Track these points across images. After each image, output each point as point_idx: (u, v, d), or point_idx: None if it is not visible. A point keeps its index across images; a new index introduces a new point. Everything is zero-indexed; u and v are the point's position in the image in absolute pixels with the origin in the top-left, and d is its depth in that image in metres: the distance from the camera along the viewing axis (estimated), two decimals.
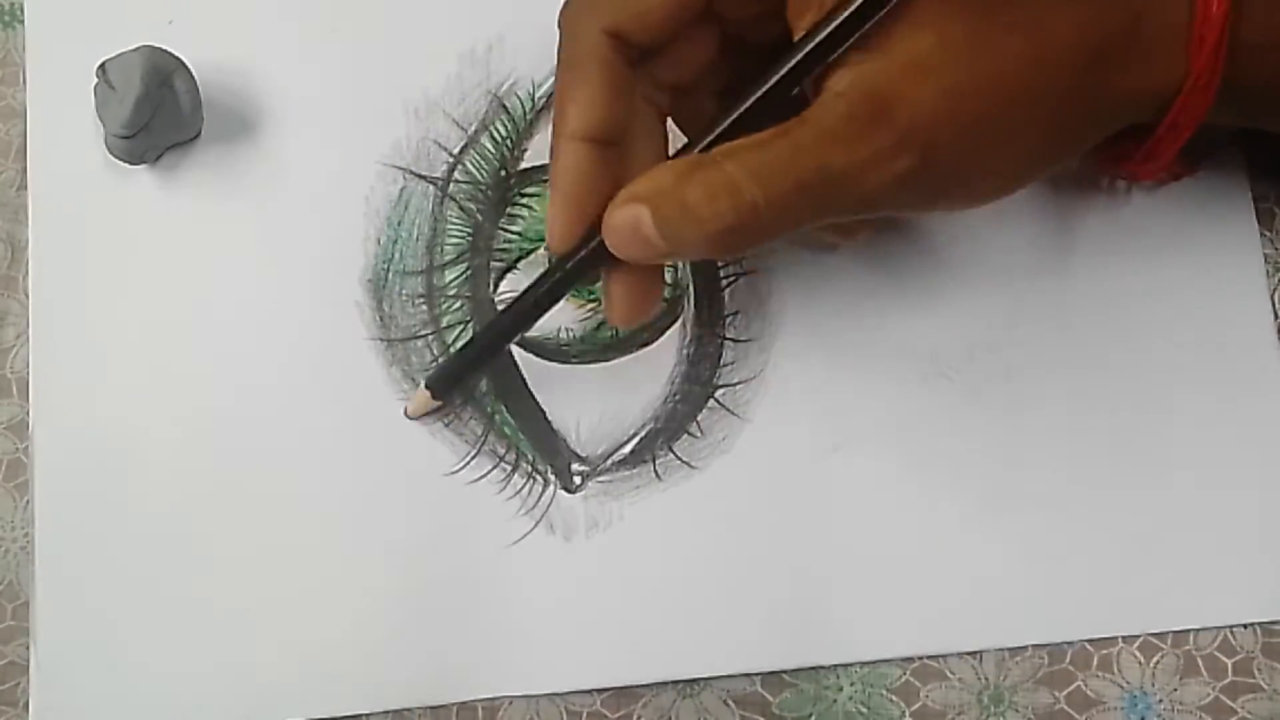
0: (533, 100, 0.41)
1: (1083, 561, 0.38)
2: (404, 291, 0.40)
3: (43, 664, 0.37)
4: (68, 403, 0.39)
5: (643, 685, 0.37)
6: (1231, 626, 0.38)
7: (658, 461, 0.39)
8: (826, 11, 0.30)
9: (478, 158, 0.40)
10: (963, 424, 0.39)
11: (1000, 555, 0.38)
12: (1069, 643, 0.38)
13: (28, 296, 0.39)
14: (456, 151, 0.40)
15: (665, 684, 0.38)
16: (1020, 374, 0.39)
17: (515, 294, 0.40)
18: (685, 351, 0.39)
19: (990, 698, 0.38)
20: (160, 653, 0.37)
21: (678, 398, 0.39)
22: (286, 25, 0.41)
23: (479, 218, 0.40)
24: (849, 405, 0.39)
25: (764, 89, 0.31)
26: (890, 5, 0.30)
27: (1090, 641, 0.38)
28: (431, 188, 0.40)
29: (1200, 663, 0.38)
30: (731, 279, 0.40)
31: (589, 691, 0.38)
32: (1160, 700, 0.38)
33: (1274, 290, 0.40)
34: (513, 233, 0.40)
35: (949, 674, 0.38)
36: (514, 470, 0.39)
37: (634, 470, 0.39)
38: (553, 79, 0.40)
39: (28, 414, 0.39)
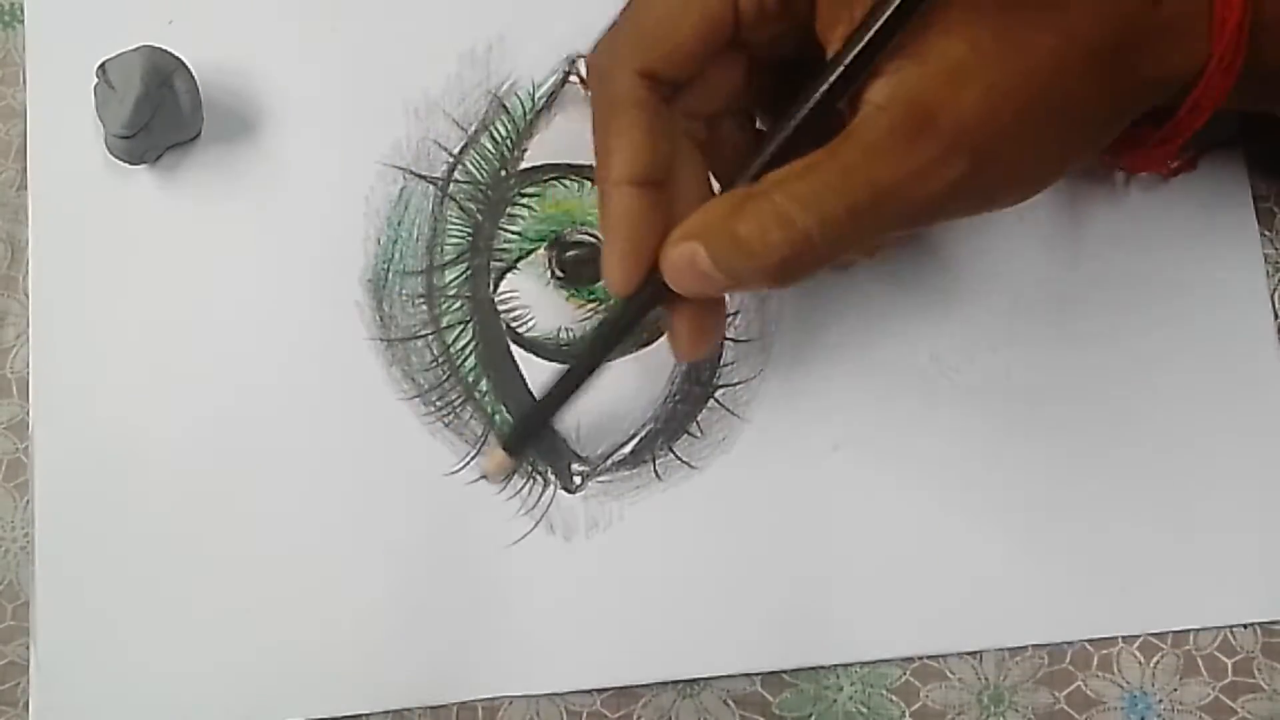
0: (533, 100, 0.41)
1: (1083, 561, 0.38)
2: (404, 291, 0.40)
3: (43, 664, 0.37)
4: (68, 403, 0.39)
5: (643, 685, 0.37)
6: (1231, 626, 0.38)
7: (658, 461, 0.39)
8: (859, 22, 0.30)
9: (478, 158, 0.40)
10: (963, 424, 0.39)
11: (1000, 555, 0.38)
12: (1069, 643, 0.38)
13: (28, 296, 0.39)
14: (456, 151, 0.40)
15: (665, 684, 0.38)
16: (1020, 374, 0.39)
17: (514, 294, 0.40)
18: None
19: (990, 698, 0.38)
20: (160, 653, 0.37)
21: (678, 398, 0.39)
22: (286, 25, 0.41)
23: (479, 218, 0.40)
24: (849, 405, 0.39)
25: (806, 108, 0.31)
26: (923, 6, 0.29)
27: (1090, 641, 0.38)
28: (431, 188, 0.40)
29: (1200, 663, 0.38)
30: None
31: (589, 691, 0.38)
32: (1160, 700, 0.38)
33: (1274, 290, 0.40)
34: (513, 233, 0.40)
35: (949, 674, 0.38)
36: (514, 470, 0.39)
37: (634, 470, 0.39)
38: (553, 79, 0.41)
39: (28, 414, 0.39)
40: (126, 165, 0.40)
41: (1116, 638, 0.38)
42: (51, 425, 0.39)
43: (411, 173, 0.40)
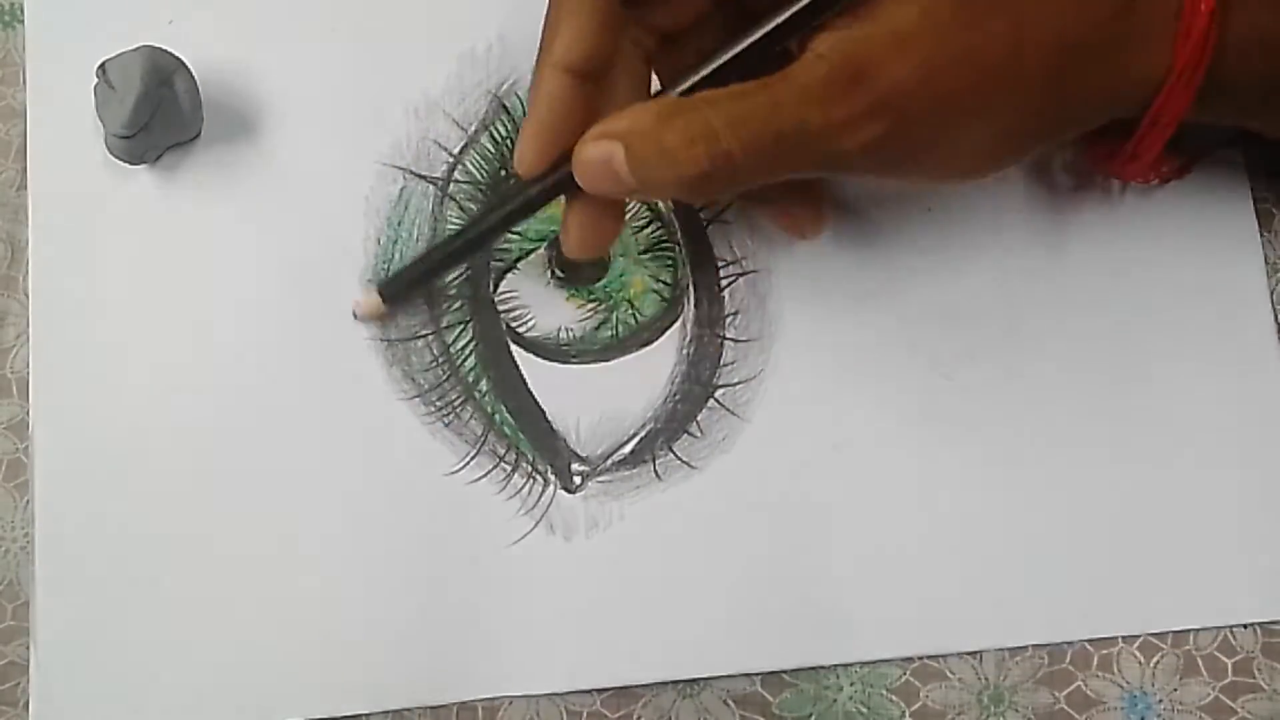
0: None
1: (1083, 561, 0.38)
2: None
3: (43, 664, 0.37)
4: (68, 403, 0.39)
5: (643, 685, 0.37)
6: (1231, 626, 0.38)
7: (658, 461, 0.39)
8: None
9: (478, 158, 0.40)
10: (963, 424, 0.39)
11: (1000, 555, 0.38)
12: (1069, 643, 0.38)
13: (28, 296, 0.39)
14: (456, 151, 0.40)
15: (665, 684, 0.38)
16: (1020, 374, 0.39)
17: (514, 294, 0.40)
18: (685, 351, 0.39)
19: (990, 698, 0.38)
20: (160, 653, 0.37)
21: (678, 398, 0.39)
22: (286, 25, 0.41)
23: None
24: (849, 405, 0.39)
25: (749, 41, 0.32)
26: None
27: (1090, 641, 0.38)
28: (431, 188, 0.40)
29: (1200, 663, 0.38)
30: (731, 279, 0.40)
31: (589, 691, 0.38)
32: (1160, 700, 0.38)
33: (1274, 290, 0.40)
34: (513, 233, 0.40)
35: (949, 674, 0.38)
36: (514, 470, 0.39)
37: (634, 470, 0.39)
38: None
39: (28, 414, 0.39)
40: (126, 165, 0.40)
41: (1116, 638, 0.38)
42: (51, 425, 0.39)
43: (411, 173, 0.40)
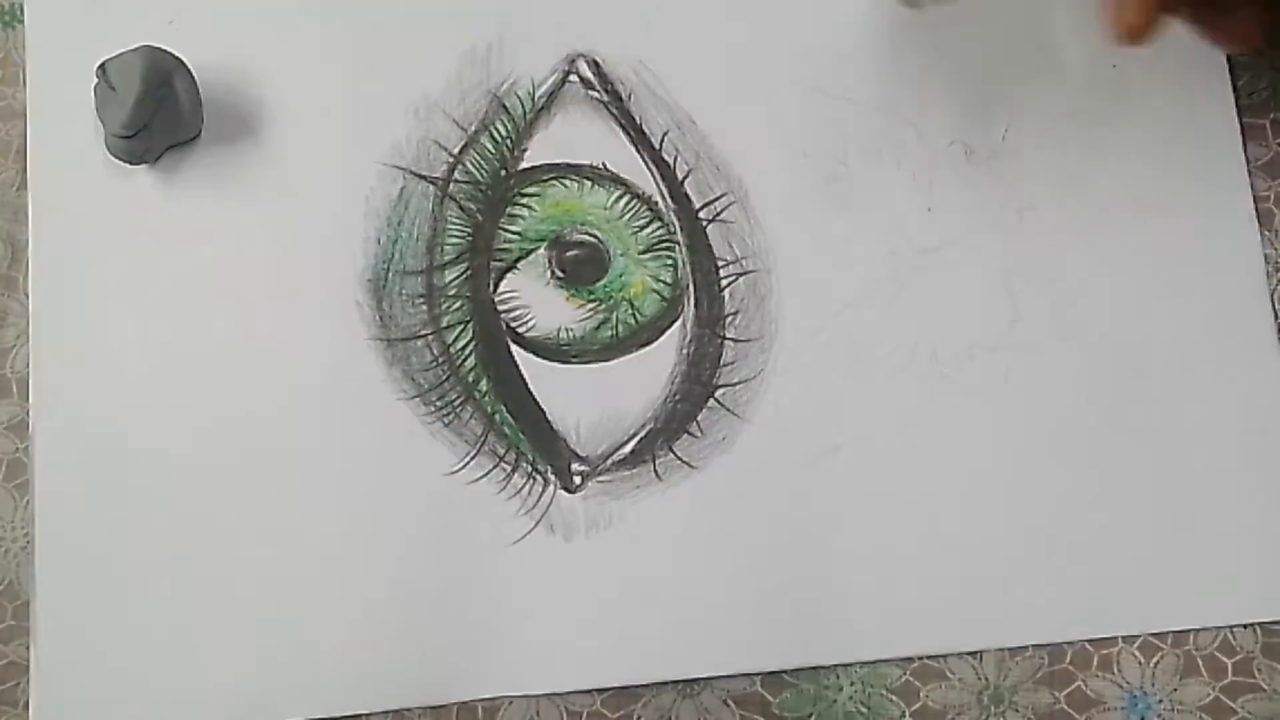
0: (533, 100, 0.41)
1: (1083, 561, 0.38)
2: (404, 291, 0.40)
3: (43, 664, 0.37)
4: (68, 403, 0.39)
5: (643, 685, 0.37)
6: (1231, 626, 0.38)
7: (658, 461, 0.39)
8: None
9: (478, 158, 0.40)
10: (963, 424, 0.39)
11: (1000, 555, 0.38)
12: (1069, 643, 0.38)
13: (28, 296, 0.39)
14: (456, 151, 0.40)
15: (665, 684, 0.38)
16: (1020, 374, 0.39)
17: (514, 294, 0.40)
18: (685, 351, 0.39)
19: (990, 698, 0.38)
20: (160, 653, 0.37)
21: (678, 398, 0.39)
22: (286, 25, 0.41)
23: (479, 218, 0.40)
24: (849, 405, 0.39)
25: None
26: None
27: (1090, 641, 0.38)
28: (431, 188, 0.40)
29: (1200, 663, 0.38)
30: (731, 279, 0.40)
31: (589, 691, 0.38)
32: (1160, 700, 0.38)
33: (1274, 290, 0.40)
34: (513, 233, 0.40)
35: (949, 674, 0.38)
36: (514, 470, 0.39)
37: (634, 470, 0.39)
38: (553, 79, 0.41)
39: (28, 414, 0.39)
40: (126, 165, 0.40)
41: (1116, 638, 0.38)
42: (51, 425, 0.39)
43: (411, 173, 0.40)
